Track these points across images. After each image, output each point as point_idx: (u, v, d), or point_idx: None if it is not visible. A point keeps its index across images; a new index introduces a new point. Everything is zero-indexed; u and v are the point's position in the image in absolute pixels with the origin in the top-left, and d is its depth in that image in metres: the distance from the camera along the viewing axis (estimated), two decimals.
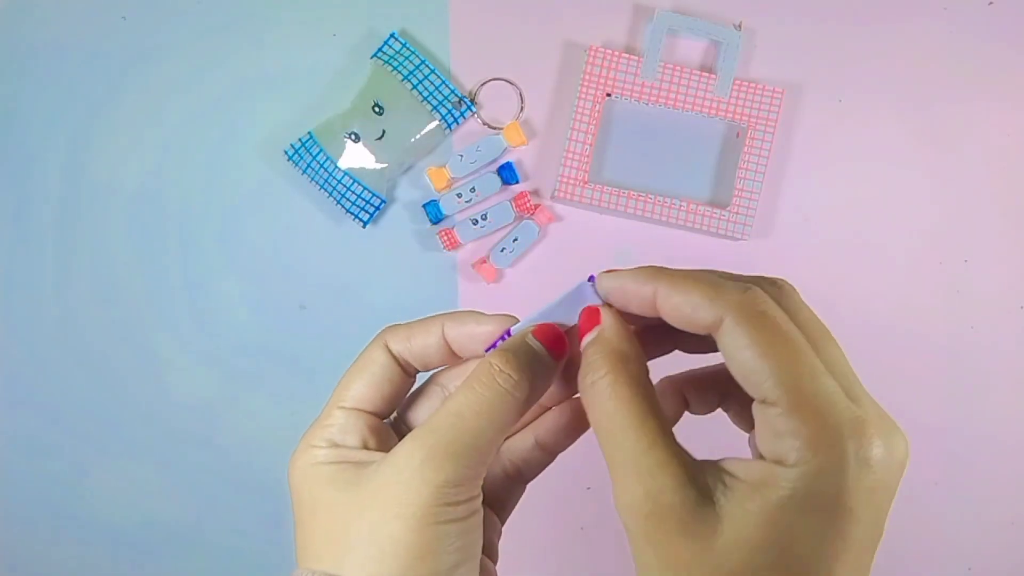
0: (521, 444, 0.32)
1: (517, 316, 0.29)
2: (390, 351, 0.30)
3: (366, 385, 0.29)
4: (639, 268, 0.27)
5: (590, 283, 0.29)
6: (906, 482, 0.23)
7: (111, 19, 0.58)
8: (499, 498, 0.32)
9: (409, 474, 0.25)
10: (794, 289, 0.26)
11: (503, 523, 0.32)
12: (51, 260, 0.59)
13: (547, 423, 0.32)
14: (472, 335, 0.29)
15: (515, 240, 0.57)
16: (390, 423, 0.31)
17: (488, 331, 0.29)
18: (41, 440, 0.59)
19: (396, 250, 0.59)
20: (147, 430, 0.59)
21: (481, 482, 0.27)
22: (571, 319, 0.29)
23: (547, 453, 0.32)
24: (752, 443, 0.26)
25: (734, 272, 0.27)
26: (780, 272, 0.27)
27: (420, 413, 0.31)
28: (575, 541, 0.61)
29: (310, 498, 0.27)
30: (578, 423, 0.32)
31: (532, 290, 0.59)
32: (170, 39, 0.58)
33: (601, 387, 0.25)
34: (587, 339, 0.27)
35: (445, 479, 0.25)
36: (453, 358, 0.30)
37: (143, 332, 0.59)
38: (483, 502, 0.30)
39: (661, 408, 0.25)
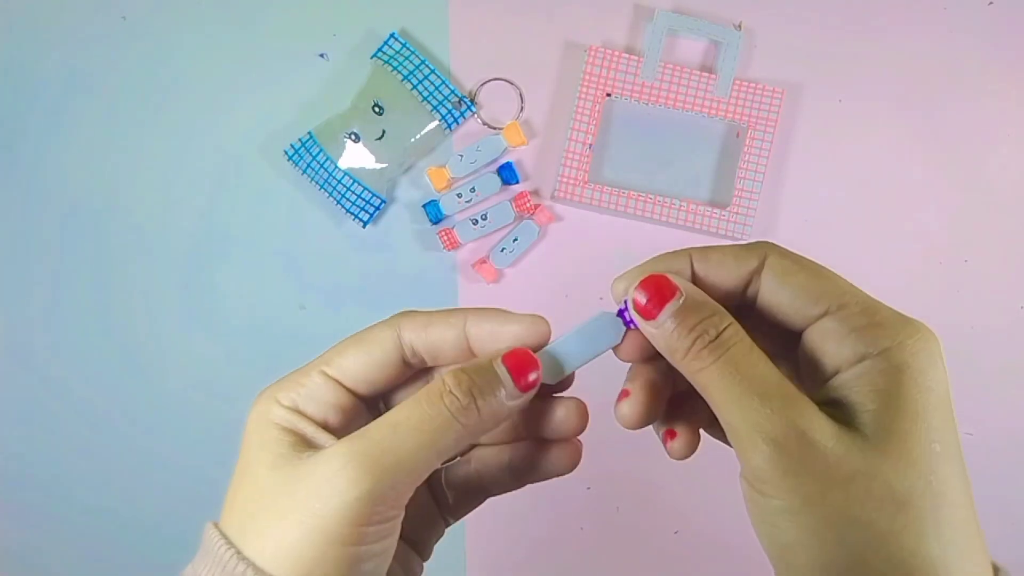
0: (496, 459, 0.30)
1: (545, 317, 0.27)
2: (400, 338, 0.28)
3: (360, 362, 0.27)
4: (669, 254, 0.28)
5: (619, 314, 0.27)
6: None
7: (111, 19, 0.58)
8: (459, 504, 0.31)
9: (327, 481, 0.24)
10: None
11: (448, 524, 0.31)
12: (50, 259, 0.59)
13: (521, 452, 0.30)
14: (494, 334, 0.27)
15: (515, 240, 0.57)
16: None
17: (513, 332, 0.27)
18: (35, 441, 0.59)
19: (396, 250, 0.59)
20: (145, 431, 0.59)
21: (403, 504, 0.25)
22: (590, 351, 0.27)
23: (516, 480, 0.30)
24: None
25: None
26: None
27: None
28: (575, 541, 0.61)
29: (250, 456, 0.27)
30: (538, 465, 0.30)
31: (532, 290, 0.59)
32: (170, 39, 0.58)
33: (728, 335, 0.25)
34: (672, 306, 0.25)
35: (361, 492, 0.23)
36: (470, 356, 0.28)
37: (142, 333, 0.59)
38: (442, 506, 0.30)
39: None
